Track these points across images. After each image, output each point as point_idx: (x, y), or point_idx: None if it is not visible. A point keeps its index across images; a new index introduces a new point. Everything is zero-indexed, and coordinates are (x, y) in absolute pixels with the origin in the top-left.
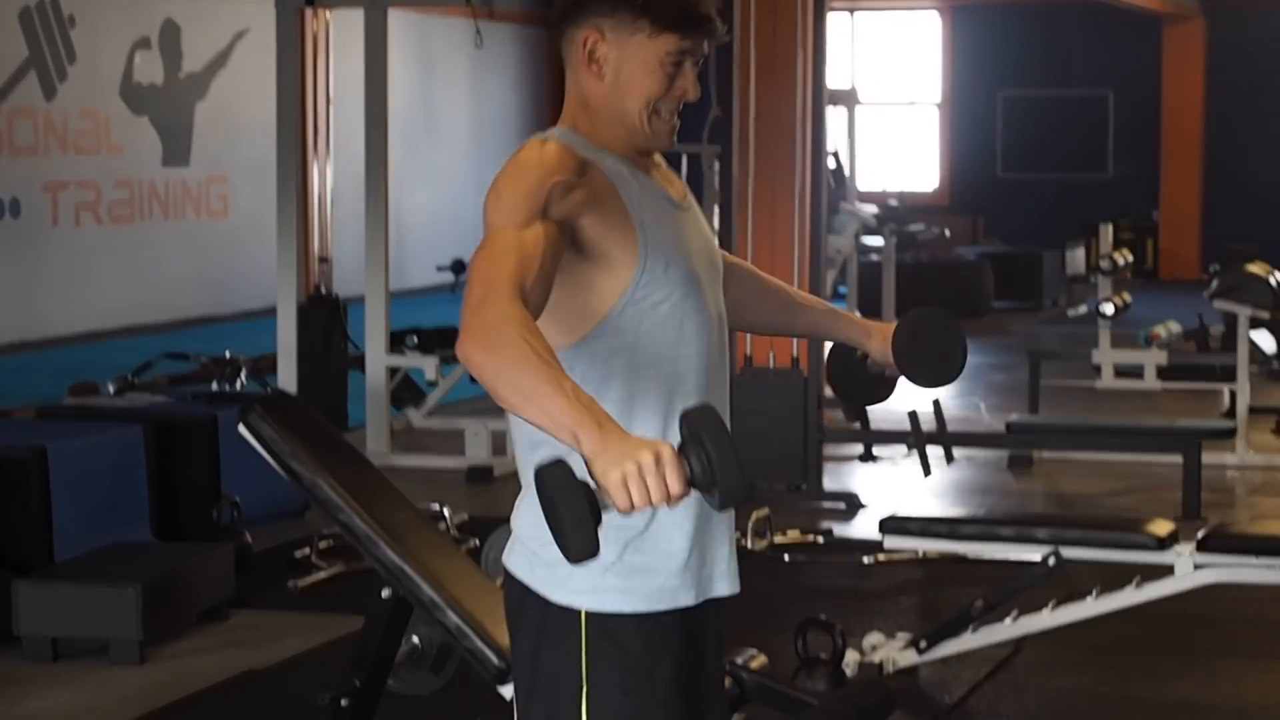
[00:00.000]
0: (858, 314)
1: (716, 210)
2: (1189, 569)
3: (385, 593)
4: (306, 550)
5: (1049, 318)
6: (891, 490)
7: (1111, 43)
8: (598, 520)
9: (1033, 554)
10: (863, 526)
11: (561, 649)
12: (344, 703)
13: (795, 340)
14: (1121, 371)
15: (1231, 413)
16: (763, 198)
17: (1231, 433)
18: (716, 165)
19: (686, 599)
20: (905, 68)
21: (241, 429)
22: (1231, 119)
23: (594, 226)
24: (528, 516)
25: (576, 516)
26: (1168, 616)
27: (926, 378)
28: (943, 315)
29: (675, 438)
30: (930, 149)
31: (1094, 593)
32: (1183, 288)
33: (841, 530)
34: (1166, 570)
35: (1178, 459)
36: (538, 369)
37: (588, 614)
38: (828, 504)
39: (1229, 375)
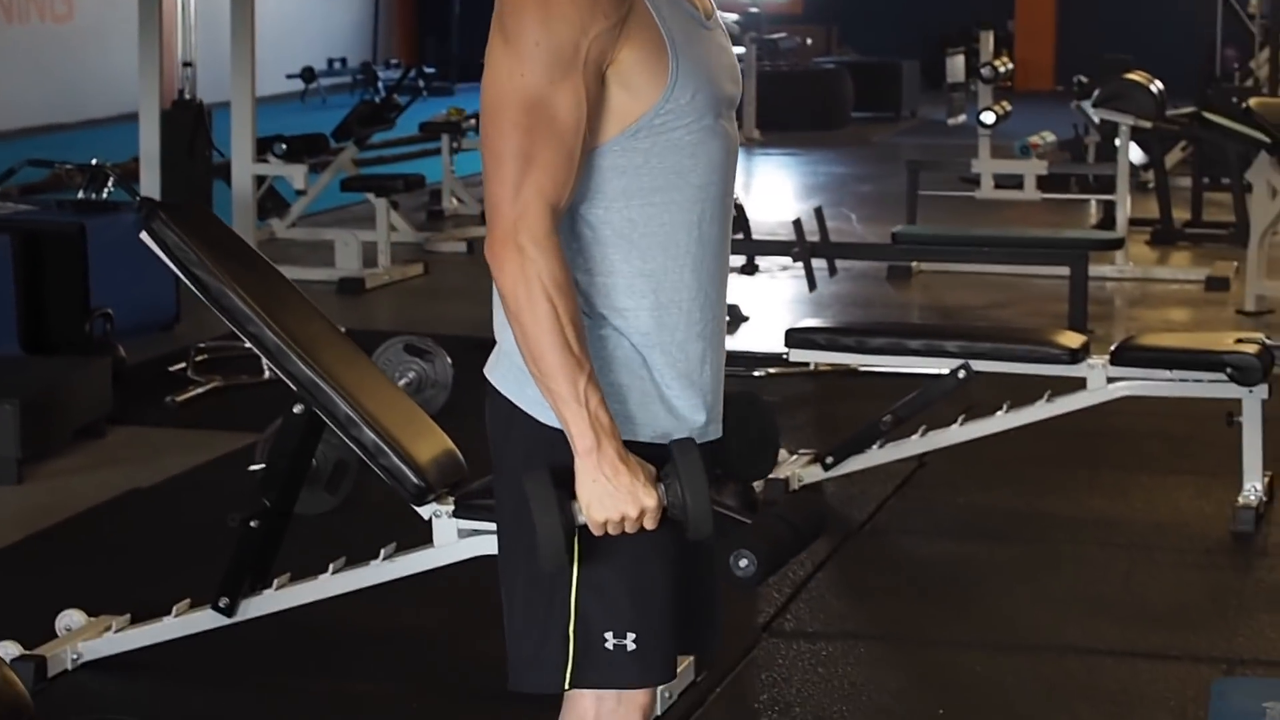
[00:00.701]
0: None
1: None
2: (1102, 382)
3: (297, 408)
4: (182, 364)
5: (908, 128)
6: (774, 302)
7: None
8: (571, 534)
9: (942, 367)
10: (747, 339)
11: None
12: (254, 524)
13: None
14: (999, 182)
15: (1104, 224)
16: None
17: (1119, 243)
18: None
19: (700, 424)
20: None
21: (144, 236)
22: None
23: (626, 56)
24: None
25: (550, 533)
26: (1072, 431)
27: (745, 465)
28: (749, 400)
29: (680, 270)
30: None
31: (1004, 407)
32: (1039, 99)
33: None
34: (1078, 383)
35: (1056, 270)
36: (562, 357)
37: None
38: None
39: (1105, 186)
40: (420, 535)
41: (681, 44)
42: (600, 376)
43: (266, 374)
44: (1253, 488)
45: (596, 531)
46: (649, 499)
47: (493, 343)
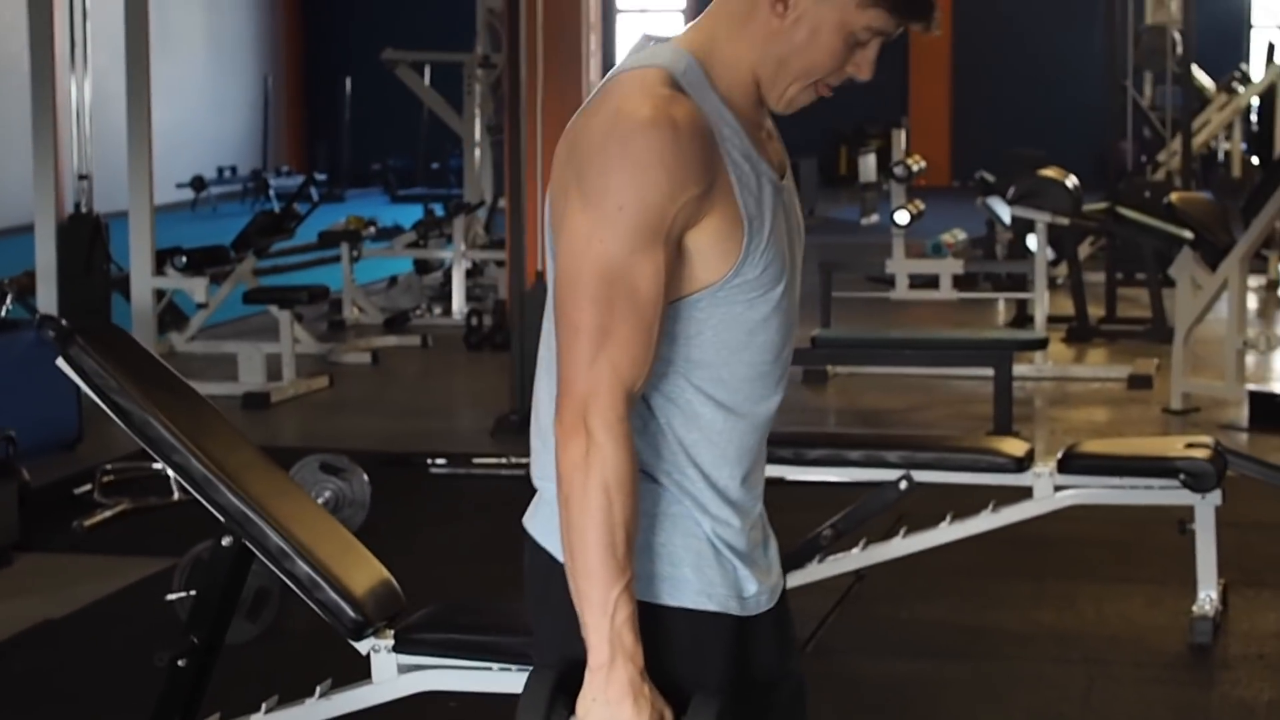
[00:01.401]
0: None
1: (480, 125)
2: (1049, 491)
3: (225, 540)
4: (88, 486)
5: (812, 226)
6: None
7: None
8: None
9: (882, 477)
10: None
11: None
12: (182, 662)
13: None
14: (914, 282)
15: (1017, 322)
16: (552, 109)
17: (1043, 343)
18: (479, 72)
19: (741, 609)
20: None
21: (61, 363)
22: (979, 24)
23: (706, 225)
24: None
25: None
26: (1012, 541)
27: None
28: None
29: (710, 448)
30: None
31: (948, 518)
32: (938, 195)
33: None
34: (1022, 492)
35: (974, 371)
36: (603, 560)
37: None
38: None
39: (1017, 283)
40: (351, 667)
41: (756, 215)
42: (649, 535)
43: (176, 495)
44: (1207, 597)
45: None
46: None
47: (395, 458)
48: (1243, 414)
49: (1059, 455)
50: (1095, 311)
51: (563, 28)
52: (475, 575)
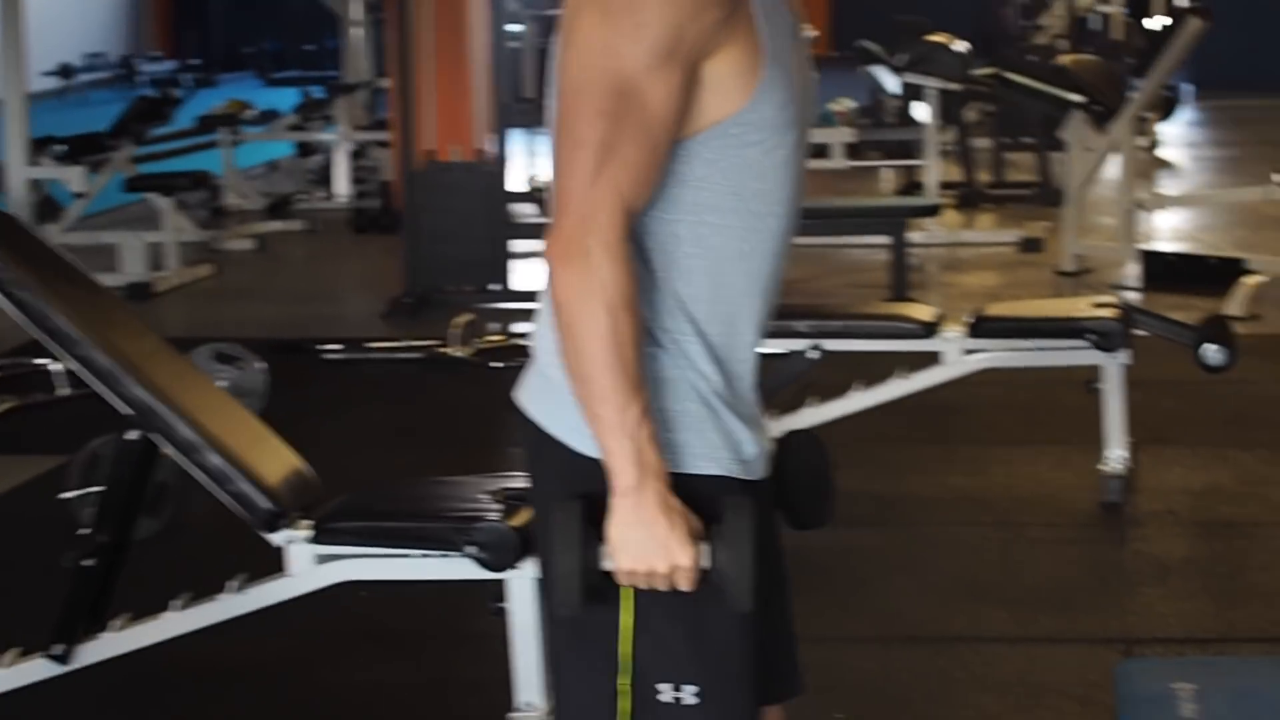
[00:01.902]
0: None
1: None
2: (959, 355)
3: (131, 434)
4: None
5: None
6: None
7: None
8: (592, 578)
9: (791, 347)
10: None
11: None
12: (89, 562)
13: (482, 132)
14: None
15: (906, 190)
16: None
17: (936, 210)
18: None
19: (756, 464)
20: None
21: None
22: None
23: (724, 55)
24: (551, 337)
25: (568, 573)
26: (920, 408)
27: (795, 521)
28: (815, 447)
29: (714, 304)
30: None
31: (859, 386)
32: (818, 65)
33: None
34: (933, 358)
35: (867, 239)
36: (616, 380)
37: None
38: (520, 304)
39: (906, 151)
40: (264, 561)
41: (775, 51)
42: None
43: (66, 390)
44: (1117, 455)
45: (622, 581)
46: (684, 557)
47: (288, 345)
48: (1135, 273)
49: (968, 319)
50: (983, 177)
51: None
52: (381, 461)
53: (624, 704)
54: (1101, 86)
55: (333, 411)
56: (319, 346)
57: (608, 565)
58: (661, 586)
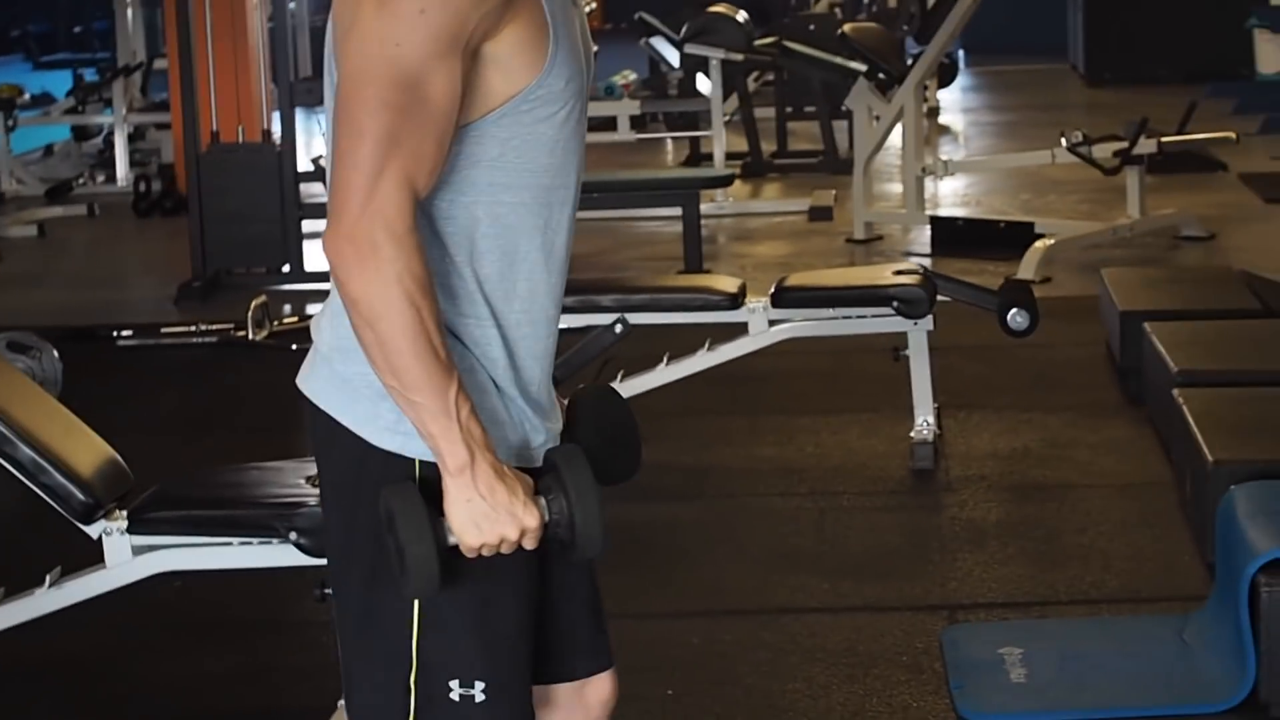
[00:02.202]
0: None
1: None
2: (764, 325)
3: None
4: None
5: None
6: None
7: None
8: (442, 559)
9: (596, 322)
10: None
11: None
12: None
13: (265, 110)
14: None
15: (691, 160)
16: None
17: (729, 180)
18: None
19: (533, 461)
20: None
21: None
22: None
23: (507, 39)
24: (338, 330)
25: (424, 558)
26: (722, 379)
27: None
28: (612, 399)
29: (515, 280)
30: None
31: (665, 359)
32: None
33: None
34: (739, 329)
35: (656, 211)
36: (429, 367)
37: (423, 463)
38: (312, 285)
39: (689, 122)
40: (80, 553)
41: (559, 24)
42: None
43: None
44: (924, 422)
45: (469, 554)
46: (530, 518)
47: (80, 331)
48: (924, 239)
49: (771, 289)
50: (767, 147)
51: None
52: (183, 448)
53: (414, 699)
54: (885, 53)
55: (129, 399)
56: (113, 332)
57: (452, 541)
58: (507, 552)
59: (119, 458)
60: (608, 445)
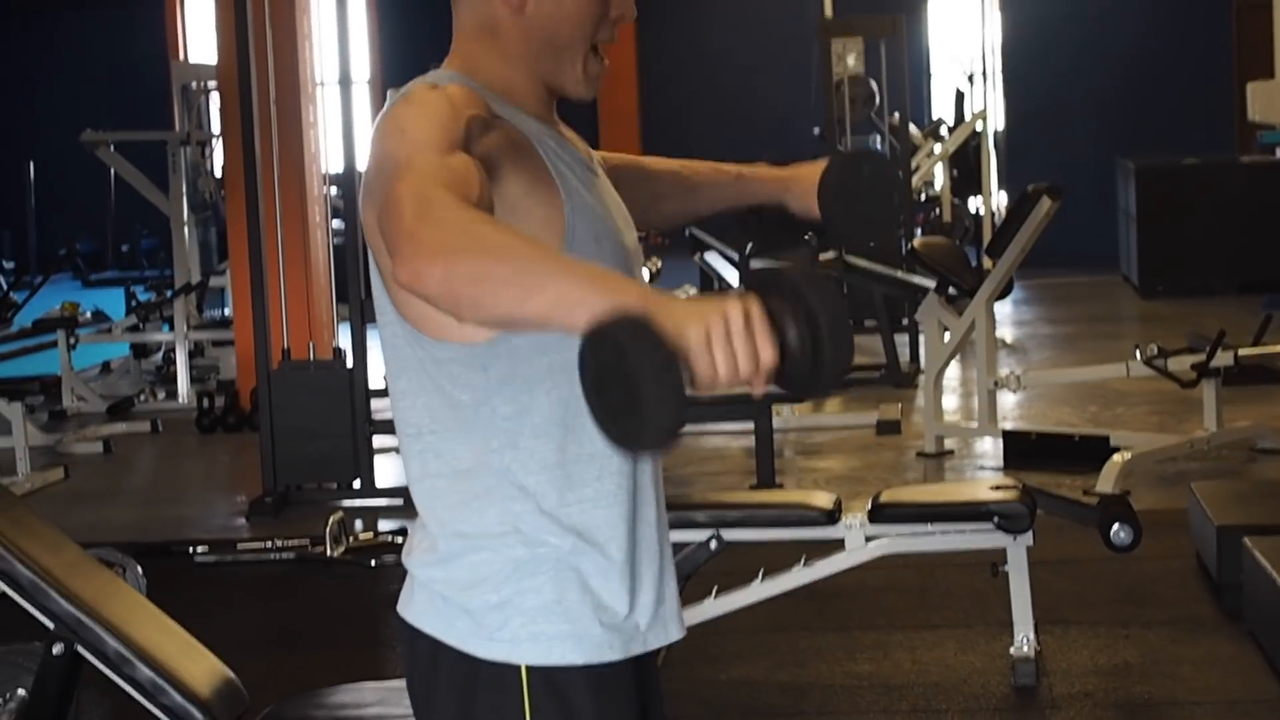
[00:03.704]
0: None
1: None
2: (860, 541)
3: (57, 649)
4: None
5: None
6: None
7: None
8: (684, 392)
9: (689, 538)
10: None
11: (498, 716)
12: None
13: (337, 328)
14: None
15: None
16: (284, 179)
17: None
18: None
19: (640, 644)
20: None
21: None
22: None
23: (513, 181)
24: (434, 556)
25: (661, 379)
26: (811, 594)
27: (858, 231)
28: (875, 158)
29: (606, 477)
30: (362, 126)
31: (760, 575)
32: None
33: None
34: (835, 545)
35: (719, 426)
36: (531, 250)
37: (529, 669)
38: (384, 501)
39: None
40: None
41: (574, 184)
42: (511, 589)
43: None
44: (1025, 638)
45: (703, 369)
46: (748, 300)
47: (156, 548)
48: (994, 452)
49: (868, 506)
50: None
51: (286, 98)
52: (269, 665)
53: None
54: (955, 267)
55: (209, 615)
56: (189, 548)
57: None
58: (745, 352)
59: (234, 677)
60: (863, 198)
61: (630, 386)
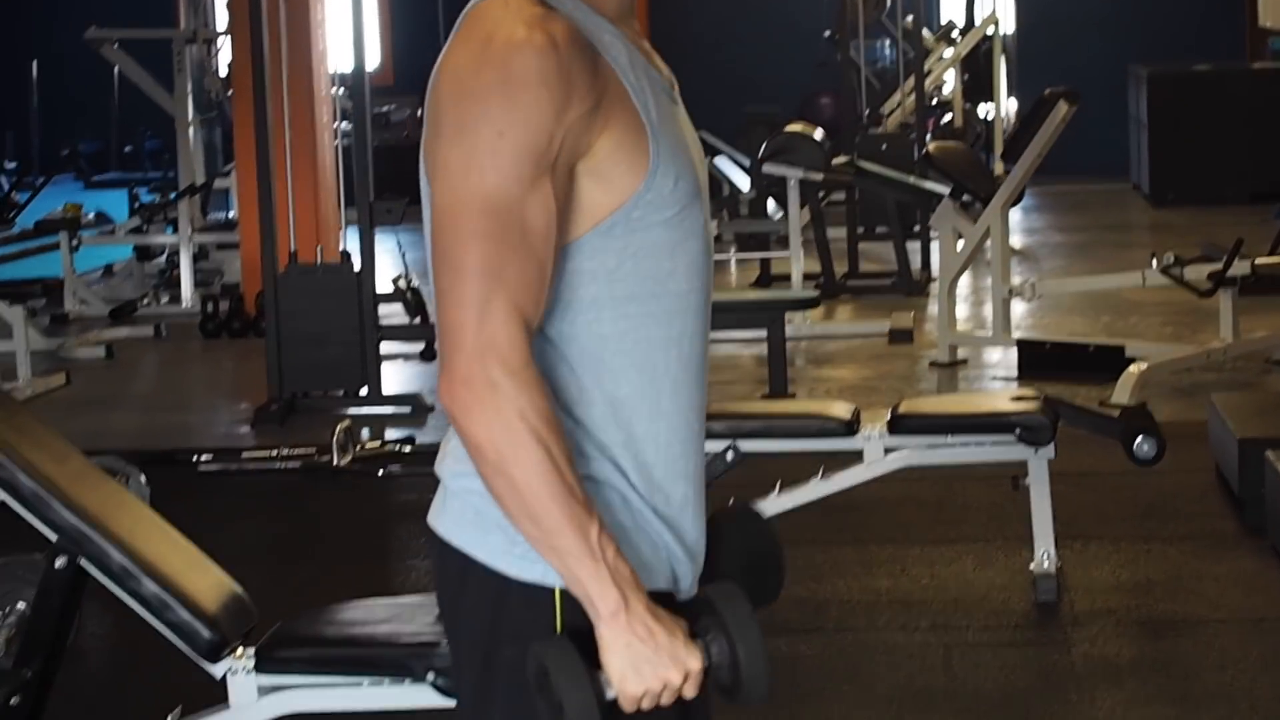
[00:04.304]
0: None
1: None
2: (880, 453)
3: (60, 562)
4: None
5: None
6: None
7: None
8: (603, 712)
9: (708, 448)
10: (439, 430)
11: (528, 639)
12: (14, 700)
13: (344, 232)
14: None
15: (760, 281)
16: (293, 79)
17: (815, 302)
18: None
19: (686, 574)
20: None
21: None
22: None
23: (604, 141)
24: (469, 465)
25: (582, 710)
26: (827, 507)
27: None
28: (754, 521)
29: (657, 397)
30: (370, 26)
31: (776, 487)
32: None
33: (419, 436)
34: (854, 456)
35: (730, 334)
36: (567, 507)
37: (563, 592)
38: (391, 409)
39: (760, 243)
40: (201, 690)
41: (660, 123)
42: None
43: None
44: (1046, 553)
45: (629, 707)
46: (693, 660)
47: (160, 456)
48: (1009, 362)
49: (888, 416)
50: (838, 268)
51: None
52: (278, 577)
53: None
54: (971, 174)
55: (215, 526)
56: (193, 456)
57: (611, 695)
58: (668, 701)
59: (243, 592)
60: (750, 572)
61: (557, 705)
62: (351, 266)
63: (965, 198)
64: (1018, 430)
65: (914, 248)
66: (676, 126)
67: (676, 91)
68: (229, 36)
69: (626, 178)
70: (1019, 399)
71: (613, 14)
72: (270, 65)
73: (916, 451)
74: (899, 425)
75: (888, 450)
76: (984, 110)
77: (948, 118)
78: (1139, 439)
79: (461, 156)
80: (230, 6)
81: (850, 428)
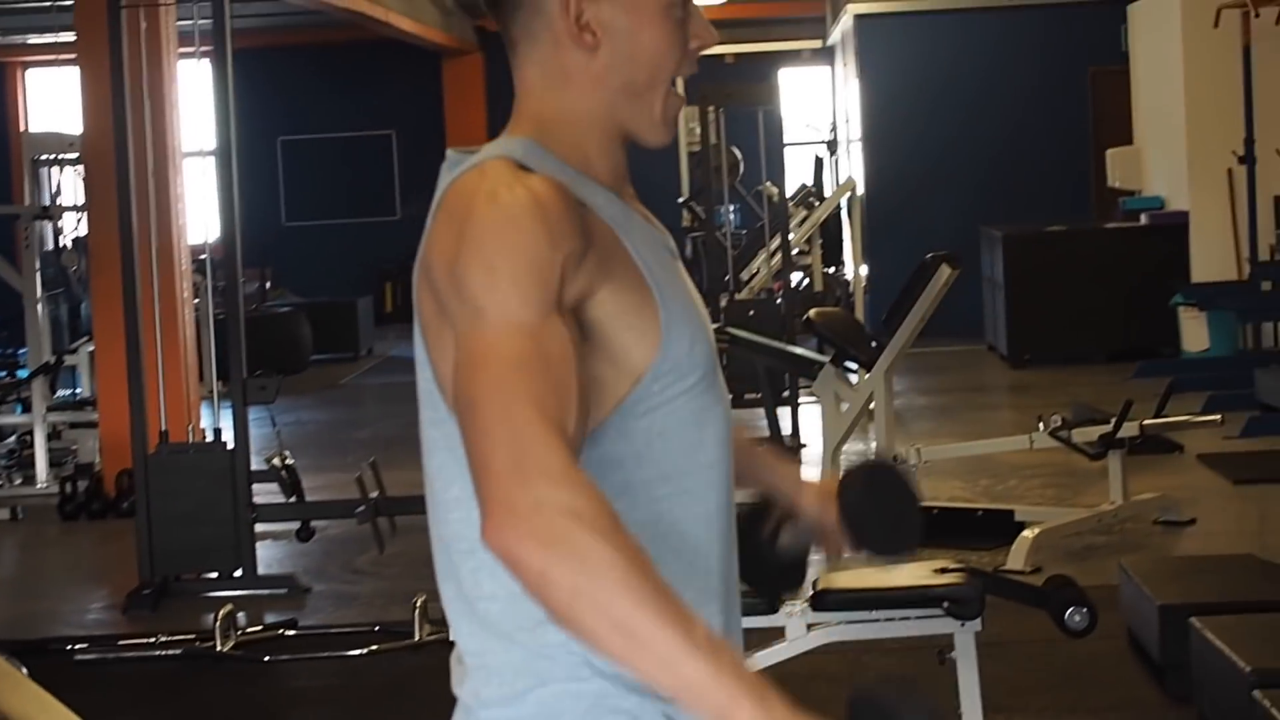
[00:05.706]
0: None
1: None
2: (802, 630)
3: None
4: None
5: (371, 367)
6: (332, 568)
7: (392, 81)
8: None
9: None
10: (317, 612)
11: None
12: None
13: (216, 410)
14: None
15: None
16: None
17: None
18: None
19: None
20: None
21: None
22: None
23: (606, 301)
24: (497, 692)
25: None
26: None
27: (878, 545)
28: (895, 471)
29: (696, 577)
30: (209, 199)
31: None
32: None
33: (300, 619)
34: (775, 633)
35: None
36: (660, 606)
37: None
38: (267, 590)
39: None
40: None
41: (665, 285)
42: None
43: None
44: None
45: None
46: None
47: (31, 645)
48: None
49: (810, 592)
50: None
51: (158, 170)
52: None
53: None
54: (852, 339)
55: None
56: (68, 645)
57: None
58: None
59: None
60: (888, 515)
61: None
62: (224, 445)
63: (847, 364)
64: (945, 604)
65: (783, 413)
66: (683, 286)
67: (672, 243)
68: (86, 212)
69: (639, 347)
70: (943, 570)
71: (606, 179)
72: (139, 238)
73: (841, 627)
74: (821, 601)
75: (810, 627)
76: (833, 274)
77: (805, 281)
78: (1069, 610)
79: (469, 310)
80: (88, 181)
81: (771, 605)
